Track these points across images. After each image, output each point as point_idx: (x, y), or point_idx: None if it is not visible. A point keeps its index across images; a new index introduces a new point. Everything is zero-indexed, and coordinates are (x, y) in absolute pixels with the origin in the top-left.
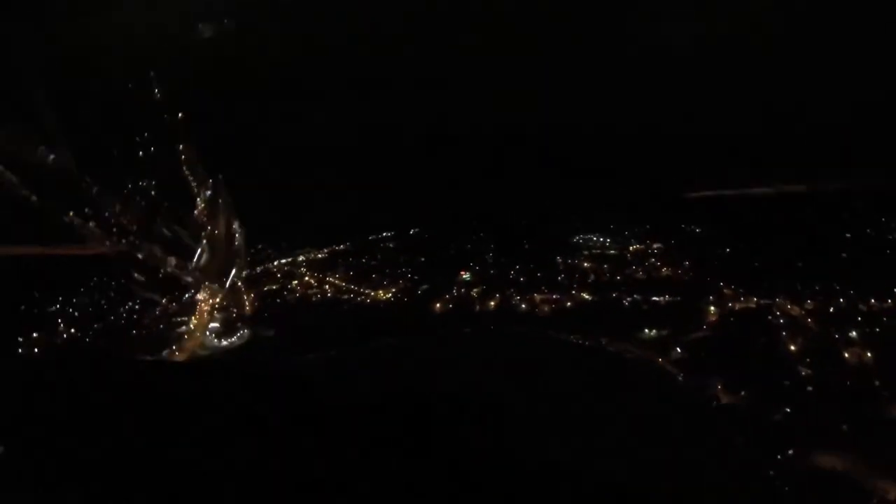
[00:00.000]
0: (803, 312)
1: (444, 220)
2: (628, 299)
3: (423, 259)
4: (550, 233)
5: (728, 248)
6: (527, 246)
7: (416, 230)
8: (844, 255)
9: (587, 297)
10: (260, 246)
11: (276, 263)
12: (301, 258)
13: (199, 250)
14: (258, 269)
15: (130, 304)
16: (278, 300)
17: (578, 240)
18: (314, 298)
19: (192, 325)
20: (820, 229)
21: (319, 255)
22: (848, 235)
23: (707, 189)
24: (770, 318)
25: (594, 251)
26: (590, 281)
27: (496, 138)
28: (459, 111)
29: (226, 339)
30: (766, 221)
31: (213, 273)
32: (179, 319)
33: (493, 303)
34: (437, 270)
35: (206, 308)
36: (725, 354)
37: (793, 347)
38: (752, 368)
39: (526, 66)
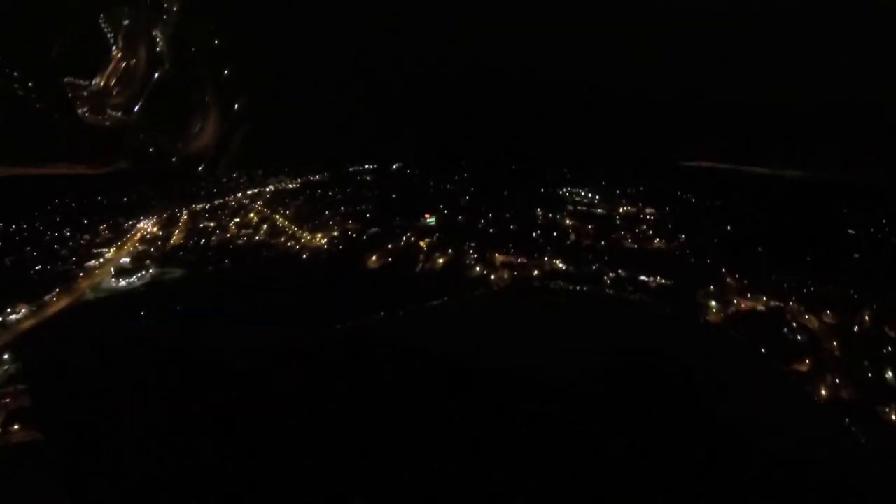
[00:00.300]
0: (823, 327)
1: (431, 157)
2: (611, 275)
3: (393, 196)
4: (537, 180)
5: (728, 225)
6: (506, 192)
7: (400, 164)
8: (856, 255)
9: (560, 264)
10: (235, 174)
11: (237, 195)
12: (269, 188)
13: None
14: (215, 202)
15: (56, 233)
16: (206, 240)
17: (565, 192)
18: (240, 241)
19: (101, 260)
20: (821, 221)
21: (290, 185)
22: (852, 232)
23: (703, 160)
24: (785, 330)
25: (579, 208)
26: (569, 243)
27: (504, 83)
28: (475, 52)
29: (124, 280)
30: (765, 203)
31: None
32: (96, 251)
33: (441, 260)
34: (400, 210)
35: (134, 239)
36: (732, 379)
37: (823, 392)
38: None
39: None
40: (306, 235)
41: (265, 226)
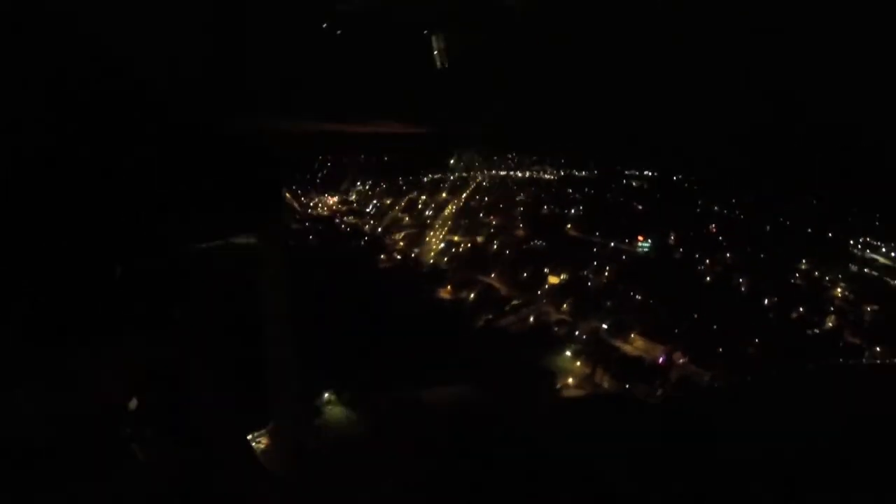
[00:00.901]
0: None
1: None
2: None
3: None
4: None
5: None
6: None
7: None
8: None
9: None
10: None
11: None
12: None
13: None
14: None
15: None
16: (429, 211)
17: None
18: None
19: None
20: None
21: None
22: None
23: None
24: None
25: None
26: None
27: None
28: None
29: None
30: None
31: None
32: (310, 211)
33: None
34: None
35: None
36: None
37: None
38: None
39: None
40: (518, 231)
41: (501, 205)
